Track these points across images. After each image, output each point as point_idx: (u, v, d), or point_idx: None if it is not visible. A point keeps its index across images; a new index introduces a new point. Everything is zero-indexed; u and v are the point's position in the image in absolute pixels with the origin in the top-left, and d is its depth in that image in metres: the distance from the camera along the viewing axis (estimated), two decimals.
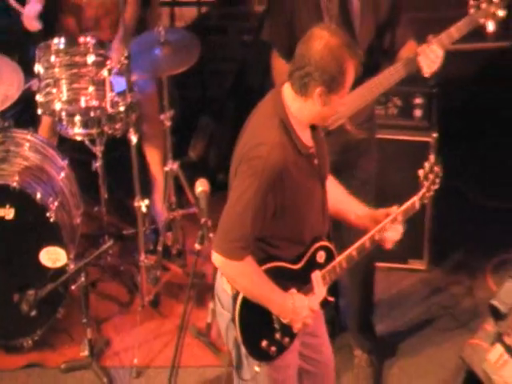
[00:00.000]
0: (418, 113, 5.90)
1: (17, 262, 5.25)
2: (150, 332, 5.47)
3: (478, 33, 5.05)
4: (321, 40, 3.74)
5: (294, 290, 4.01)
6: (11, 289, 5.19)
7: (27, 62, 5.62)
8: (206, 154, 6.55)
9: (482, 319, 4.96)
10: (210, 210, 4.32)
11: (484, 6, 4.84)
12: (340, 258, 4.11)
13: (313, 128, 3.99)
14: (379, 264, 5.64)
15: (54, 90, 5.41)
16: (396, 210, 4.18)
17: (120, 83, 5.52)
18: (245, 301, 3.96)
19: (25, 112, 5.91)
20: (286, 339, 4.10)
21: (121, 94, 5.48)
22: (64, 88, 5.40)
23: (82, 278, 5.09)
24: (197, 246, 4.13)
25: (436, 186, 4.35)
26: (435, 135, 5.84)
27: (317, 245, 4.08)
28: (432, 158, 4.33)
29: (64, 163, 5.63)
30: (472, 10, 4.87)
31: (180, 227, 5.88)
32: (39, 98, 5.44)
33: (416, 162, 5.44)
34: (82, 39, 5.49)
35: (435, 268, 6.16)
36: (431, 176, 4.31)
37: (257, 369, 4.10)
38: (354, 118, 5.00)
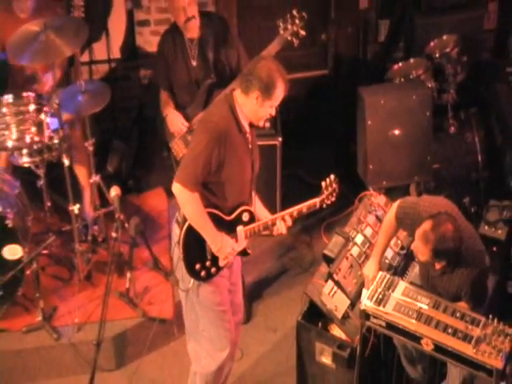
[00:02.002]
0: (267, 124, 5.85)
1: None
2: (85, 298, 5.46)
3: (304, 64, 5.37)
4: (265, 62, 4.10)
5: (223, 234, 4.24)
6: None
7: None
8: (120, 167, 6.49)
9: (319, 264, 5.06)
10: (122, 207, 4.49)
11: (289, 27, 5.13)
12: (259, 223, 4.34)
13: (251, 125, 4.24)
14: None
15: (7, 132, 5.33)
16: (296, 207, 4.41)
17: (54, 123, 5.47)
18: (189, 228, 4.17)
19: None
20: (214, 269, 4.29)
21: (55, 130, 5.45)
22: (14, 130, 5.33)
23: (34, 265, 5.20)
24: (114, 234, 4.20)
25: (333, 198, 4.53)
26: (280, 139, 6.00)
27: (244, 207, 4.30)
28: (332, 176, 4.52)
29: (17, 183, 5.54)
30: (281, 31, 5.17)
31: (103, 222, 5.88)
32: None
33: (270, 158, 5.83)
34: (25, 94, 5.41)
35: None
36: (330, 188, 4.49)
37: (189, 285, 4.29)
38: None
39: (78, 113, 5.63)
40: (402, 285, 4.38)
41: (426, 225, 4.13)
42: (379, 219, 5.09)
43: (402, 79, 6.13)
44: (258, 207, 4.48)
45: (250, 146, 4.25)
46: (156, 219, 6.12)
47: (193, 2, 5.25)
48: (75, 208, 5.52)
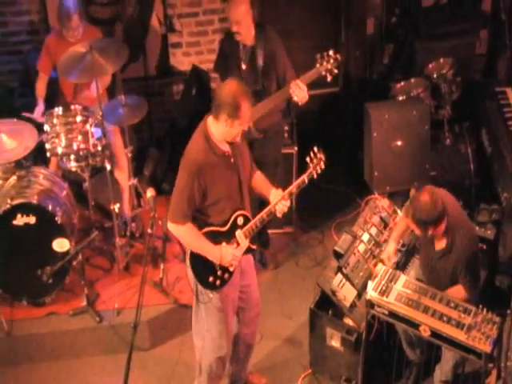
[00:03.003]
0: (285, 135, 5.99)
1: (38, 249, 5.23)
2: (124, 286, 5.47)
3: (318, 82, 5.33)
4: (228, 87, 3.98)
5: (224, 244, 4.14)
6: (36, 266, 5.17)
7: (38, 124, 5.54)
8: (155, 172, 6.49)
9: (330, 259, 5.06)
10: (156, 207, 4.43)
11: (325, 64, 5.06)
12: (254, 220, 4.21)
13: (231, 143, 4.12)
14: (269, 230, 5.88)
15: (57, 140, 5.38)
16: (287, 189, 4.28)
17: (98, 132, 5.49)
18: (191, 252, 4.15)
19: (39, 155, 5.75)
20: (226, 275, 4.22)
21: (99, 139, 5.46)
22: (63, 138, 5.37)
23: (80, 257, 5.27)
24: (149, 230, 4.09)
25: (321, 167, 4.33)
26: (296, 148, 6.02)
27: (236, 213, 4.18)
28: (315, 148, 4.32)
29: (65, 185, 5.60)
30: (318, 65, 5.09)
31: (140, 219, 5.91)
32: (47, 146, 5.41)
33: (286, 165, 5.86)
34: (72, 107, 5.46)
35: (299, 231, 6.26)
36: (316, 160, 4.30)
37: (211, 295, 4.21)
38: (257, 124, 5.26)
39: (119, 123, 5.65)
40: (402, 278, 4.40)
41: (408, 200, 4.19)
42: (383, 220, 5.10)
43: (404, 97, 6.10)
44: (265, 188, 4.37)
45: (232, 161, 4.15)
46: None
47: (243, 20, 5.16)
48: (116, 207, 5.53)
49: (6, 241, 5.20)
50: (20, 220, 5.15)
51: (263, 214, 4.22)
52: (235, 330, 4.58)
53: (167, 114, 6.97)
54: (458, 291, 4.34)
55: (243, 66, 5.29)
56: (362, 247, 4.90)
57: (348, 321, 4.76)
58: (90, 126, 5.46)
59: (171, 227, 4.14)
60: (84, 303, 5.33)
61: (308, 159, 4.28)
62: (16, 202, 5.17)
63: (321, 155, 4.30)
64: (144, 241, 5.81)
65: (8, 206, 5.13)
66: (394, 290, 4.30)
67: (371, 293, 4.31)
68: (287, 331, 5.37)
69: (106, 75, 5.61)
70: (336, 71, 5.12)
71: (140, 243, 5.85)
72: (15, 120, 5.57)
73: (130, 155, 5.70)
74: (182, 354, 5.02)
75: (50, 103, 5.83)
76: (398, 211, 5.18)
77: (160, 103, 6.98)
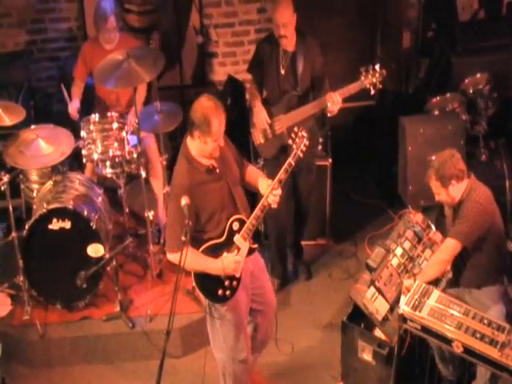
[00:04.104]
0: (319, 147, 5.98)
1: (73, 254, 5.26)
2: (157, 293, 5.48)
3: (353, 95, 5.20)
4: (198, 103, 3.98)
5: (224, 253, 4.11)
6: (70, 271, 5.22)
7: (75, 130, 5.61)
8: None
9: (362, 272, 5.01)
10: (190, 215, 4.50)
11: (370, 77, 5.06)
12: (250, 220, 4.16)
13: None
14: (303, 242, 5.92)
15: (93, 147, 5.44)
16: (276, 177, 4.17)
17: (133, 139, 5.54)
18: (195, 274, 4.15)
19: (75, 161, 5.86)
20: (234, 282, 4.19)
21: (134, 146, 5.50)
22: (99, 144, 5.43)
23: (114, 262, 5.27)
24: (183, 238, 3.93)
25: (306, 145, 4.24)
26: (330, 160, 6.01)
27: (230, 220, 4.15)
28: (297, 129, 4.28)
29: (101, 191, 5.63)
30: (362, 77, 5.09)
31: None
32: (84, 152, 5.49)
33: (321, 177, 5.84)
34: (109, 114, 5.52)
35: (333, 243, 6.25)
36: (298, 140, 4.22)
37: (223, 310, 4.20)
38: (291, 131, 5.08)
39: (154, 131, 5.71)
40: (436, 293, 4.38)
41: None
42: (417, 234, 5.04)
43: (439, 111, 6.12)
44: (259, 177, 4.34)
45: (218, 171, 4.14)
46: None
47: (289, 24, 5.18)
48: (150, 214, 5.54)
49: (42, 245, 5.25)
50: (56, 224, 5.21)
51: (257, 211, 4.18)
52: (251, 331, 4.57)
53: None
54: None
55: (282, 71, 5.32)
56: (395, 261, 4.88)
57: (379, 334, 4.76)
58: (126, 133, 5.51)
59: (171, 257, 4.14)
60: (117, 309, 5.36)
61: (290, 141, 4.24)
62: (52, 206, 5.23)
63: (302, 133, 4.23)
64: None
65: (44, 211, 5.19)
66: (427, 305, 4.29)
67: (404, 307, 4.30)
68: (319, 343, 5.37)
69: (143, 83, 5.68)
70: (381, 86, 5.13)
71: None
72: (52, 126, 5.63)
73: (164, 163, 5.75)
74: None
75: (86, 110, 5.91)
76: (432, 226, 5.18)
77: None
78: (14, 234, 5.36)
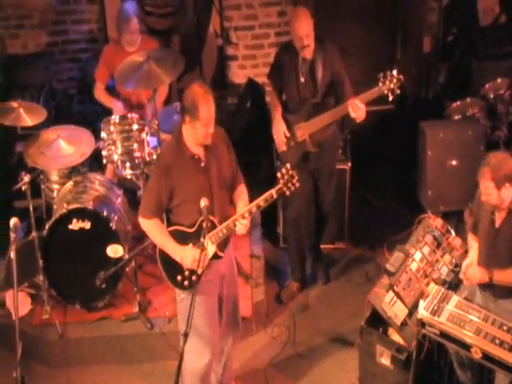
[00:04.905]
0: (339, 150, 5.94)
1: (93, 254, 5.28)
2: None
3: (373, 99, 5.17)
4: (189, 90, 4.06)
5: (190, 245, 4.17)
6: (89, 271, 5.19)
7: (96, 131, 5.66)
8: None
9: (381, 276, 4.99)
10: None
11: (388, 83, 5.04)
12: (220, 227, 4.18)
13: (206, 147, 4.16)
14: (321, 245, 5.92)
15: (113, 148, 5.50)
16: (253, 203, 4.16)
17: (153, 141, 5.58)
18: (159, 251, 4.23)
19: (95, 162, 5.91)
20: (194, 277, 4.18)
21: (154, 147, 5.54)
22: (119, 146, 5.49)
23: (133, 263, 5.30)
24: (201, 239, 4.01)
25: (294, 186, 4.18)
26: (349, 164, 6.02)
27: (202, 217, 4.13)
28: (288, 165, 4.21)
29: (120, 192, 5.63)
30: (380, 84, 5.07)
31: None
32: (104, 152, 5.55)
33: (340, 181, 5.83)
34: (129, 115, 5.55)
35: (352, 247, 6.25)
36: (286, 176, 4.15)
37: (182, 296, 4.27)
38: (313, 137, 5.30)
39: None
40: (455, 298, 4.39)
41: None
42: (436, 239, 5.04)
43: (459, 116, 6.12)
44: (241, 203, 4.33)
45: (202, 164, 4.19)
46: None
47: (310, 34, 5.19)
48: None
49: (62, 245, 5.30)
50: (75, 225, 5.25)
51: (230, 222, 4.19)
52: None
53: (221, 125, 6.93)
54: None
55: (302, 79, 5.32)
56: (414, 266, 4.87)
57: (398, 338, 4.74)
58: (146, 134, 5.54)
59: (140, 221, 4.28)
60: (136, 309, 5.38)
61: (279, 174, 4.19)
62: (72, 206, 5.26)
63: (293, 172, 4.19)
64: None
65: (64, 211, 5.23)
66: (446, 311, 4.29)
67: (422, 312, 4.30)
68: (337, 346, 5.37)
69: (163, 85, 5.71)
70: (399, 91, 5.11)
71: None
72: (73, 126, 5.68)
73: None
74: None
75: (107, 111, 5.98)
76: (452, 231, 5.17)
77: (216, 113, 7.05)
78: (34, 234, 5.40)
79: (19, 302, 5.14)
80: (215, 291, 4.39)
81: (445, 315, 4.28)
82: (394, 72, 5.10)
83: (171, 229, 4.25)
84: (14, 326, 3.90)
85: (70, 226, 5.26)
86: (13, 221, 4.04)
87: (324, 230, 5.92)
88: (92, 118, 6.38)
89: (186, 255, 4.19)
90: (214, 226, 4.22)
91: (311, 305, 5.72)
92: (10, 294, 5.45)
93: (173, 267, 4.26)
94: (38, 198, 5.60)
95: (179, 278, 4.26)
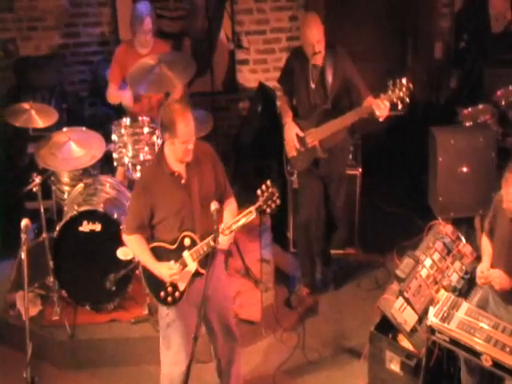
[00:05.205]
0: (349, 156, 5.98)
1: (103, 256, 5.27)
2: None
3: None
4: (166, 108, 4.09)
5: (172, 262, 4.15)
6: (100, 273, 5.23)
7: (106, 134, 5.65)
8: None
9: (391, 282, 4.98)
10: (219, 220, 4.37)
11: (397, 91, 5.04)
12: (201, 244, 4.14)
13: (188, 163, 4.13)
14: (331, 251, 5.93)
15: (124, 150, 5.48)
16: (233, 220, 4.12)
17: None
18: (142, 267, 4.23)
19: (106, 164, 5.91)
20: (177, 293, 4.21)
21: None
22: (130, 148, 5.47)
23: None
24: (212, 243, 4.03)
25: (275, 203, 4.09)
26: (360, 169, 6.03)
27: (183, 234, 4.17)
28: (269, 181, 4.13)
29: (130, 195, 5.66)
30: (390, 91, 5.06)
31: None
32: (115, 155, 5.53)
33: (350, 186, 5.84)
34: (140, 118, 5.55)
35: (361, 252, 6.25)
36: (266, 194, 4.07)
37: (166, 312, 4.26)
38: (323, 143, 5.31)
39: None
40: (465, 305, 4.38)
41: None
42: (446, 246, 5.05)
43: (471, 123, 6.10)
44: (227, 218, 4.29)
45: (182, 182, 4.18)
46: (248, 233, 6.07)
47: (321, 40, 5.19)
48: None
49: (72, 246, 5.31)
50: (86, 227, 5.27)
51: (210, 239, 4.13)
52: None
53: (232, 130, 7.11)
54: None
55: (312, 85, 5.32)
56: (424, 272, 4.88)
57: (408, 345, 4.73)
58: (157, 137, 5.53)
59: (123, 237, 4.33)
60: (145, 312, 5.38)
61: (259, 191, 4.09)
62: (83, 208, 5.28)
63: (273, 189, 4.09)
64: None
65: (75, 213, 5.25)
66: (456, 318, 4.29)
67: (432, 319, 4.30)
68: (346, 352, 5.37)
69: (174, 88, 5.68)
70: (408, 100, 5.10)
71: None
72: (84, 129, 5.70)
73: None
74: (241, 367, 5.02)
75: (118, 114, 5.99)
76: (462, 238, 5.17)
77: (225, 118, 7.13)
78: (44, 235, 5.43)
79: (29, 303, 5.24)
80: (195, 310, 4.29)
81: (455, 322, 4.28)
82: (404, 80, 5.10)
83: (153, 245, 4.24)
84: (25, 326, 3.93)
85: (81, 228, 5.27)
86: (24, 222, 4.05)
87: (334, 235, 5.93)
88: (103, 120, 6.36)
89: (164, 273, 4.18)
90: (194, 243, 4.20)
91: (321, 310, 5.72)
92: (20, 295, 5.46)
93: (156, 283, 4.25)
94: (48, 200, 5.62)
95: (162, 294, 4.26)
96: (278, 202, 4.09)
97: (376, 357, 4.88)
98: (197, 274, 4.24)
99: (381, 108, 5.09)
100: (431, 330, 4.32)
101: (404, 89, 5.08)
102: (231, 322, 4.57)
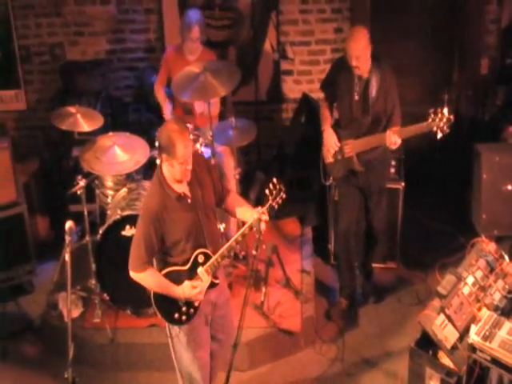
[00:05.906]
0: (392, 170, 6.05)
1: None
2: None
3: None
4: (164, 127, 4.04)
5: (187, 282, 4.15)
6: None
7: (150, 140, 5.55)
8: (260, 196, 6.34)
9: (432, 298, 4.94)
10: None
11: (437, 121, 5.00)
12: (215, 257, 4.18)
13: (189, 182, 4.11)
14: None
15: None
16: (245, 227, 4.16)
17: (207, 152, 5.63)
18: (154, 293, 4.18)
19: (149, 170, 5.76)
20: (192, 310, 4.24)
21: (208, 158, 5.51)
22: None
23: None
24: (254, 252, 4.15)
25: (282, 198, 4.15)
26: (403, 184, 6.03)
27: (197, 251, 4.17)
28: (275, 179, 4.18)
29: None
30: (430, 119, 5.01)
31: (244, 241, 5.55)
32: (158, 161, 5.53)
33: (392, 200, 5.84)
34: None
35: (403, 267, 6.26)
36: (275, 192, 4.12)
37: (178, 330, 4.28)
38: (360, 156, 5.34)
39: (229, 144, 5.79)
40: (507, 325, 4.34)
41: None
42: (489, 264, 5.00)
43: None
44: (240, 209, 4.33)
45: (189, 201, 4.14)
46: (289, 243, 6.16)
47: (363, 55, 5.18)
48: (221, 227, 5.50)
49: (114, 250, 5.32)
50: (128, 231, 5.27)
51: (224, 250, 4.18)
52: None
53: (275, 139, 7.13)
54: None
55: (356, 97, 5.34)
56: (466, 289, 4.82)
57: (448, 362, 4.69)
58: (200, 145, 5.58)
59: (133, 275, 4.18)
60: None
61: (267, 191, 4.15)
62: (126, 213, 5.31)
63: (280, 186, 4.15)
64: (247, 262, 5.88)
65: (118, 217, 5.30)
66: (498, 337, 4.26)
67: (474, 337, 4.28)
68: (385, 367, 5.34)
69: (218, 97, 5.75)
70: (448, 130, 5.07)
71: (243, 265, 5.92)
72: (129, 134, 5.75)
73: (237, 177, 5.82)
74: (276, 377, 5.08)
75: (162, 120, 5.99)
76: (506, 257, 5.14)
77: (268, 128, 7.15)
78: (87, 238, 5.51)
79: (71, 305, 5.30)
80: (207, 321, 4.38)
81: (497, 341, 4.24)
82: (445, 110, 5.06)
83: (165, 271, 4.20)
84: (66, 327, 3.96)
85: (123, 232, 5.29)
86: (68, 224, 4.08)
87: (375, 249, 5.93)
88: (147, 126, 6.43)
89: (188, 292, 4.17)
90: (208, 257, 4.22)
91: (360, 324, 5.71)
92: (63, 296, 5.54)
93: (169, 307, 4.24)
94: (92, 203, 5.70)
95: (177, 315, 4.25)
96: (284, 196, 4.13)
97: (415, 373, 4.84)
98: (211, 285, 4.28)
99: (390, 142, 5.15)
100: (472, 349, 4.29)
101: (445, 120, 5.05)
102: (232, 325, 4.59)
